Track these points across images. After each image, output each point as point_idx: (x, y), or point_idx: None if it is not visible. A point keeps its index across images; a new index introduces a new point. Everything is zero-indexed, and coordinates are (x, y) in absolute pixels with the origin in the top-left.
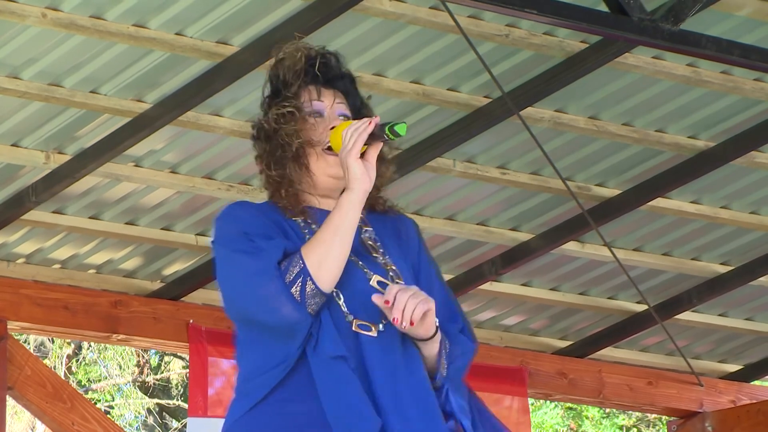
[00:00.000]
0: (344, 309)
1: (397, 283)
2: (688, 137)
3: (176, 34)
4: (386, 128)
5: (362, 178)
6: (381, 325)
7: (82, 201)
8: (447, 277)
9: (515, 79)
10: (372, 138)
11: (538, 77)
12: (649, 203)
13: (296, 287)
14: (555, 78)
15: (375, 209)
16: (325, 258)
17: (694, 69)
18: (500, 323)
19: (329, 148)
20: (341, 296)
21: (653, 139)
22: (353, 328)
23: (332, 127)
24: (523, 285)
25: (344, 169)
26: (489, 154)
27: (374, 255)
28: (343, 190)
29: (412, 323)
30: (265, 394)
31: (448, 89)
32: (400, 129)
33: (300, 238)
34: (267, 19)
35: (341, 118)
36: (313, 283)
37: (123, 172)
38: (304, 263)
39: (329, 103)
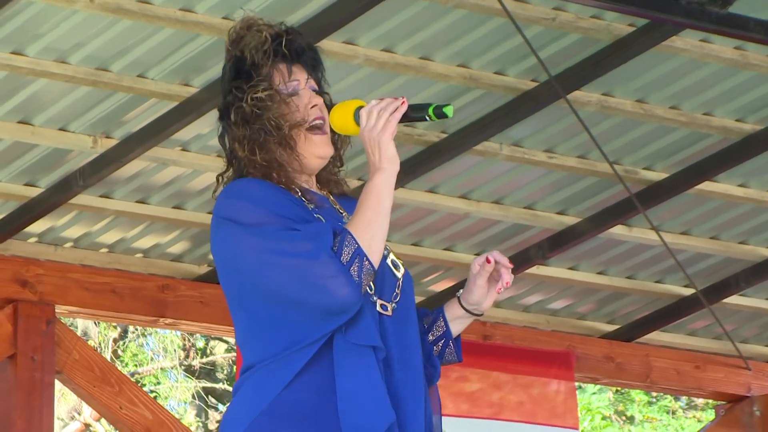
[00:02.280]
0: (371, 290)
1: (402, 263)
2: (736, 120)
3: (223, 18)
4: (430, 109)
5: (396, 158)
6: (394, 303)
7: (129, 185)
8: None
9: (562, 63)
10: (403, 119)
11: (585, 60)
12: (697, 187)
13: (354, 267)
14: (602, 61)
15: (334, 191)
16: (374, 237)
17: (741, 52)
18: (547, 307)
19: (313, 128)
20: None
21: (701, 122)
22: (377, 309)
23: (313, 105)
24: (571, 269)
25: (374, 147)
26: (536, 137)
27: None
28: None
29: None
30: (293, 375)
31: (495, 73)
32: (448, 111)
33: (310, 214)
34: (314, 3)
35: (314, 92)
36: (369, 261)
37: (170, 156)
38: (357, 243)
39: (303, 80)
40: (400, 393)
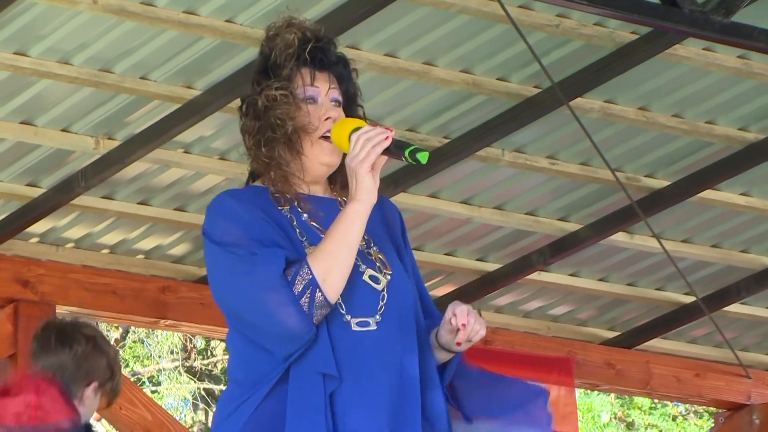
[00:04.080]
0: (342, 309)
1: (385, 273)
2: (738, 129)
3: (226, 21)
4: (406, 151)
5: (372, 191)
6: (378, 316)
7: (131, 186)
8: (495, 266)
9: (565, 70)
10: (385, 152)
11: (588, 68)
12: (699, 195)
13: (305, 298)
14: (605, 69)
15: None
16: (332, 269)
17: (744, 61)
18: (548, 313)
19: (325, 137)
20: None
21: (703, 130)
22: (353, 328)
23: (327, 117)
24: (572, 275)
25: (352, 177)
26: (538, 144)
27: (361, 245)
28: (330, 182)
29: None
30: (259, 402)
31: (497, 79)
32: (422, 157)
33: (289, 232)
34: (318, 7)
35: (334, 104)
36: (322, 294)
37: (172, 158)
38: (312, 274)
39: (324, 89)
40: (384, 404)
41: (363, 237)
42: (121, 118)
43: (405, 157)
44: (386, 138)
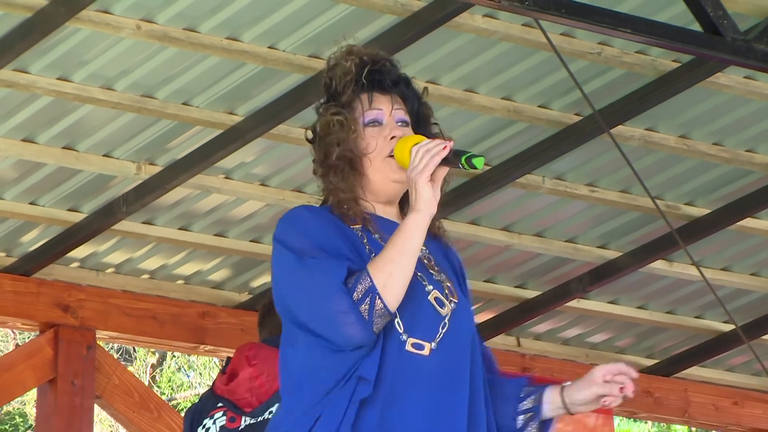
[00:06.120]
0: (400, 328)
1: (451, 300)
2: None
3: (269, 47)
4: (463, 158)
5: (431, 201)
6: (434, 344)
7: (172, 212)
8: (534, 293)
9: (606, 97)
10: (444, 162)
11: (630, 95)
12: (738, 223)
13: (365, 305)
14: (646, 96)
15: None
16: (391, 277)
17: None
18: (587, 340)
19: (390, 156)
20: (398, 313)
21: (743, 159)
22: (407, 348)
23: (393, 137)
24: (611, 303)
25: (412, 188)
26: (579, 171)
27: (430, 271)
28: (400, 202)
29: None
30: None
31: (539, 106)
32: (478, 162)
33: (360, 248)
34: (359, 34)
35: (400, 124)
36: (382, 301)
37: (213, 184)
38: (372, 281)
39: (387, 110)
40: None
41: (434, 266)
42: (162, 143)
43: (462, 164)
44: (444, 148)
